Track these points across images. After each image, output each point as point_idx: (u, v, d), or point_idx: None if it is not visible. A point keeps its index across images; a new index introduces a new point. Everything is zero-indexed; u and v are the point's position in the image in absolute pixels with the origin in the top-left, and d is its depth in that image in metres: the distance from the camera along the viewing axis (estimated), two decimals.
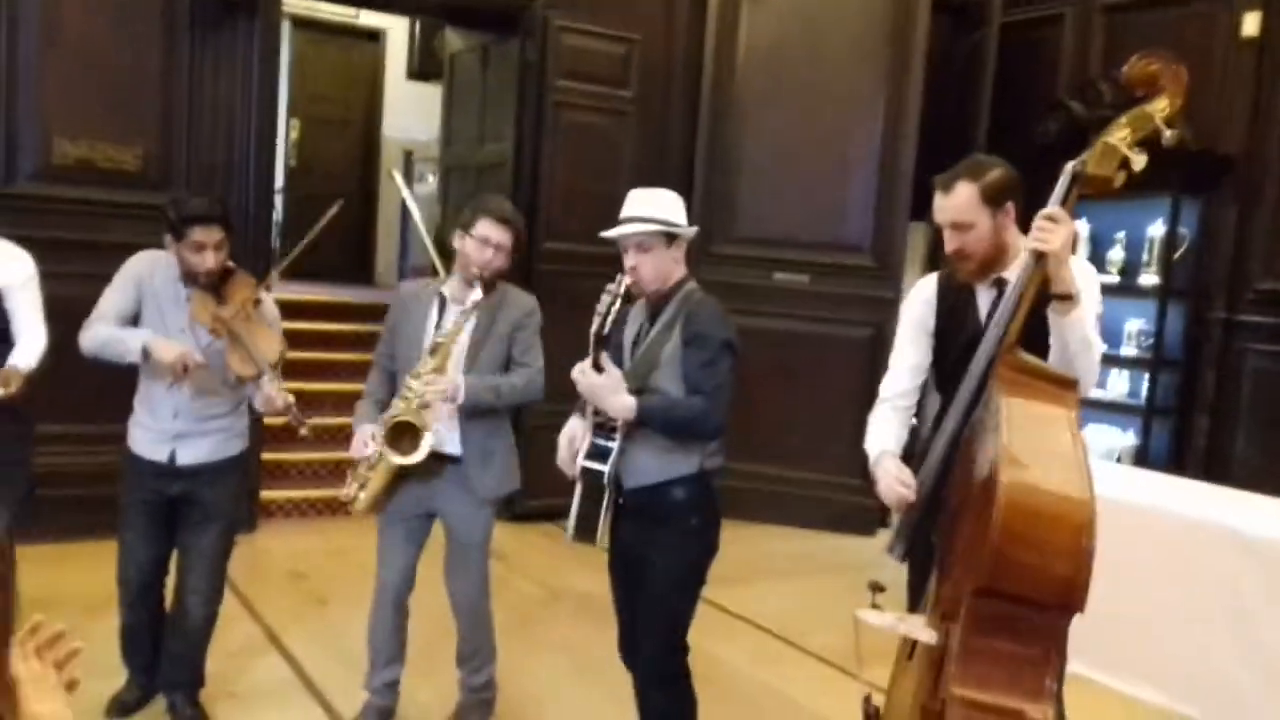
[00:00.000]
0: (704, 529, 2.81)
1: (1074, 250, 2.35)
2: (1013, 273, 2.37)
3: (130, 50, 5.05)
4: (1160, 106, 2.21)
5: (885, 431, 2.64)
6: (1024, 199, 2.49)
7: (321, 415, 6.13)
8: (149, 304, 3.14)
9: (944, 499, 2.38)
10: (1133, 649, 4.08)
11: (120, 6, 5.02)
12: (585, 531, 2.78)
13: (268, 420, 5.60)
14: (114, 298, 3.13)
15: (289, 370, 5.94)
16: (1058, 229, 2.18)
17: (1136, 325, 6.07)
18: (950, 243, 2.49)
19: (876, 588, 2.45)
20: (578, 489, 2.79)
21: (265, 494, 5.68)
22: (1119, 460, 5.96)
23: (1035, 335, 2.30)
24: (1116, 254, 6.19)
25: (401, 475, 3.12)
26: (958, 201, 2.45)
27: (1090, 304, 2.36)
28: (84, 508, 4.59)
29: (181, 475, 3.20)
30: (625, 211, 2.81)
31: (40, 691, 1.30)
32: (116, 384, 3.35)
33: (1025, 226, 2.36)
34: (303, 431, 3.16)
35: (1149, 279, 6.00)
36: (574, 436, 2.82)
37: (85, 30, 4.95)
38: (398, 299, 3.35)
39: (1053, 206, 2.23)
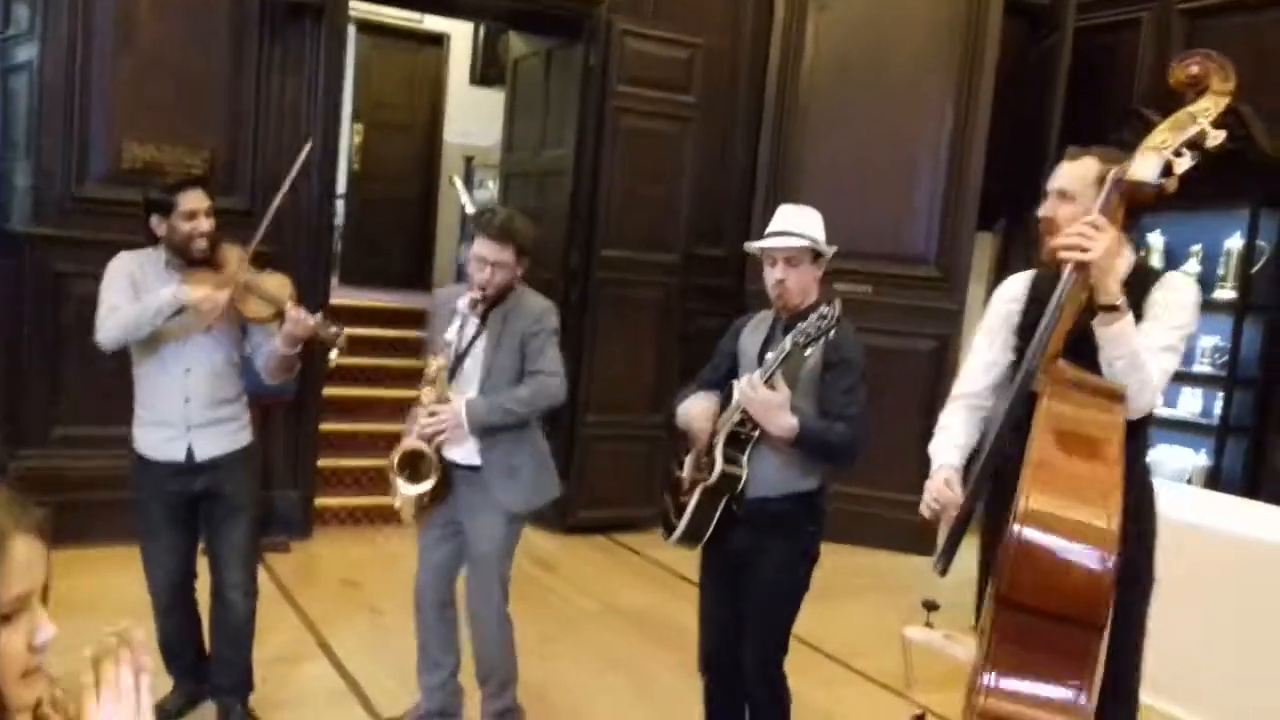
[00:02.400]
0: (814, 538, 2.91)
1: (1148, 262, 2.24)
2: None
3: (199, 55, 5.11)
4: (1203, 107, 2.13)
5: (949, 439, 2.58)
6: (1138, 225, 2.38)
7: (378, 421, 6.17)
8: (143, 298, 3.11)
9: (1001, 517, 2.30)
10: (1203, 676, 3.93)
11: (190, 12, 5.08)
12: (693, 536, 2.86)
13: (324, 426, 5.66)
14: (116, 296, 3.10)
15: (345, 375, 6.01)
16: (1098, 236, 2.11)
17: (1211, 341, 5.88)
18: (1046, 209, 2.41)
19: (930, 606, 2.42)
20: (696, 492, 2.82)
21: (320, 501, 5.69)
22: (1190, 482, 5.78)
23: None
24: (1192, 267, 6.01)
25: (434, 495, 3.14)
26: (1075, 170, 2.38)
27: (1167, 322, 2.27)
28: (112, 511, 4.64)
29: (202, 471, 3.16)
30: (774, 225, 2.88)
31: (106, 697, 1.26)
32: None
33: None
34: (339, 341, 3.14)
35: (1225, 293, 5.82)
36: (715, 429, 2.83)
37: (156, 35, 5.01)
38: (432, 306, 3.39)
39: (1096, 215, 2.16)
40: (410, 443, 3.07)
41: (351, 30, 8.10)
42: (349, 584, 4.94)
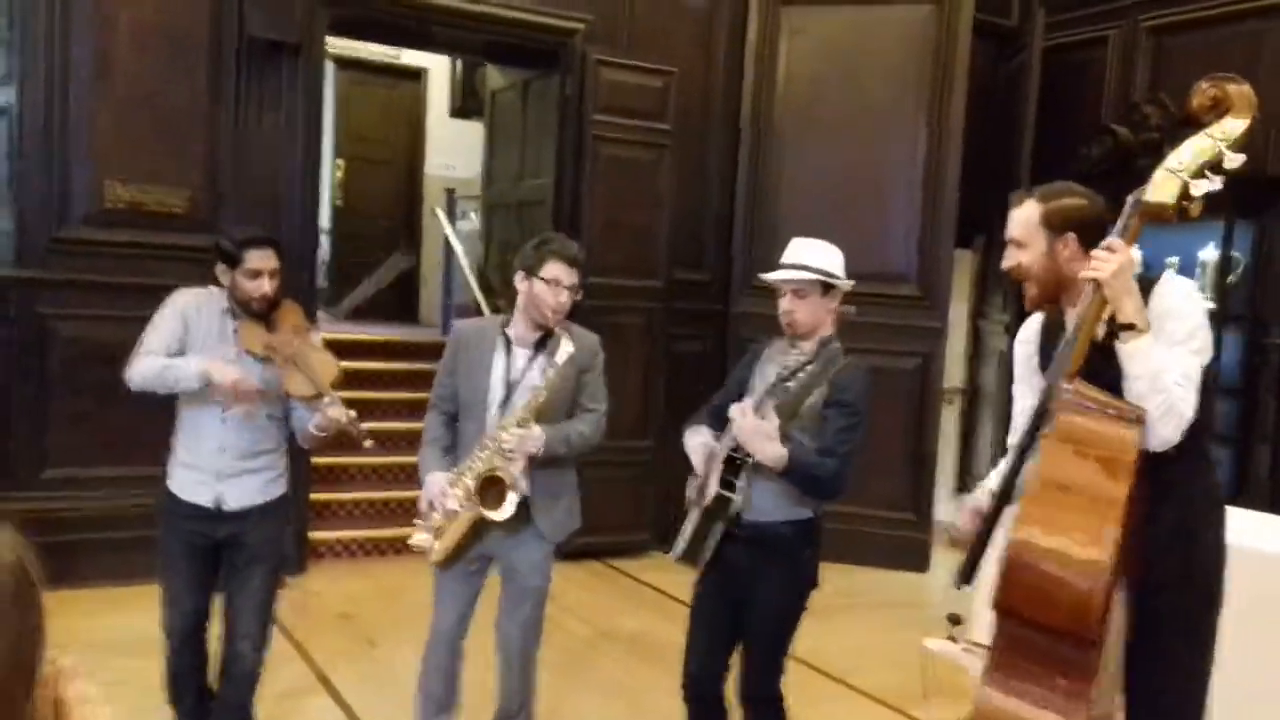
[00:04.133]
0: (812, 560, 2.94)
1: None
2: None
3: (178, 93, 5.14)
4: (1223, 130, 2.18)
5: (997, 469, 2.59)
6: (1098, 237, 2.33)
7: (368, 455, 6.14)
8: (194, 338, 3.11)
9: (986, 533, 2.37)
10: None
11: (169, 51, 5.10)
12: (692, 555, 2.89)
13: (315, 459, 5.67)
14: (161, 333, 3.10)
15: None
16: (1112, 257, 2.16)
17: None
18: (1007, 258, 2.45)
19: (955, 620, 2.45)
20: (694, 513, 2.88)
21: (314, 534, 5.68)
22: None
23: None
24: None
25: (479, 527, 3.06)
26: (1019, 217, 2.40)
27: (1178, 339, 2.22)
28: (102, 552, 4.64)
29: (227, 519, 3.16)
30: (786, 257, 2.92)
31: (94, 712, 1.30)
32: (152, 425, 3.33)
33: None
34: (367, 444, 3.12)
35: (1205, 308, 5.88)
36: (713, 453, 2.88)
37: (135, 75, 5.04)
38: (457, 339, 3.25)
39: (1112, 237, 2.20)
40: (493, 467, 2.99)
41: (330, 67, 8.15)
42: (345, 617, 4.93)
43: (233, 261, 3.06)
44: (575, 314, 6.08)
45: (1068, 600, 2.00)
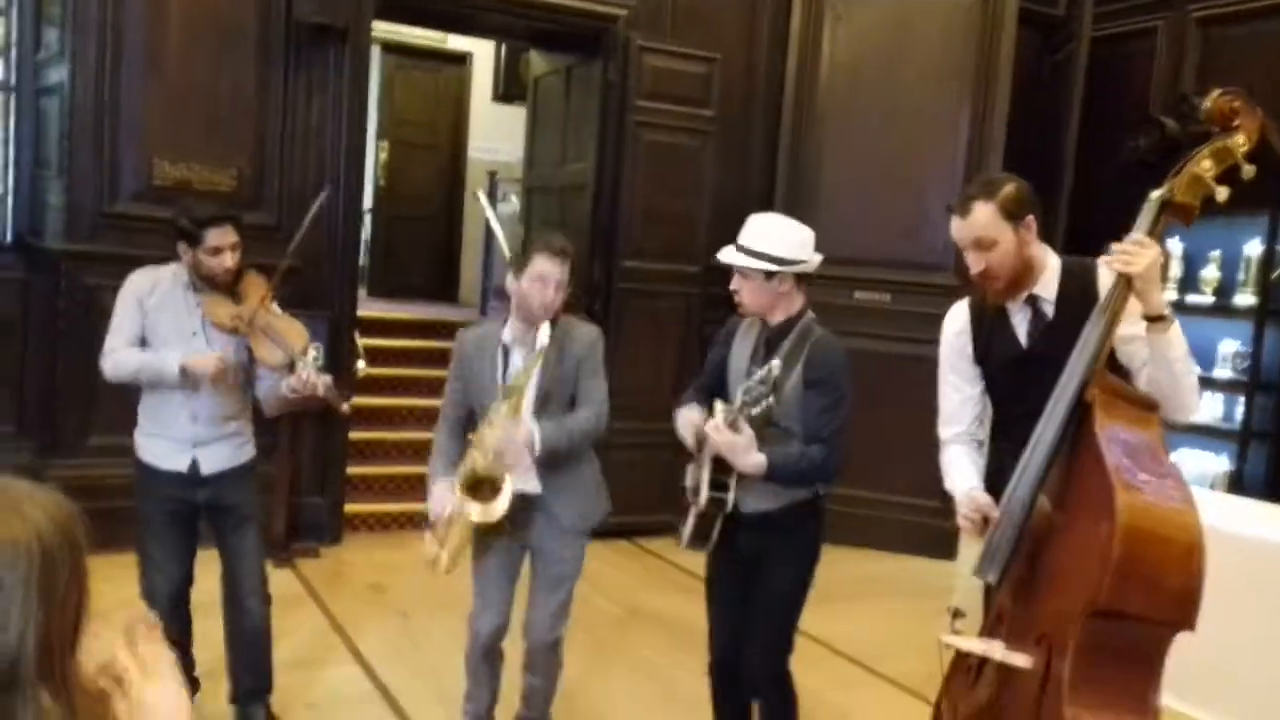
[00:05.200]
0: (816, 536, 2.94)
1: (1166, 272, 2.32)
2: (1045, 288, 2.46)
3: (227, 76, 5.24)
4: (1239, 142, 2.25)
5: (959, 469, 2.61)
6: (1043, 211, 2.48)
7: (405, 430, 6.28)
8: (153, 317, 3.17)
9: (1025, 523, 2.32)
10: (1227, 681, 3.94)
11: (219, 35, 5.21)
12: (700, 539, 2.89)
13: (352, 434, 5.77)
14: (123, 321, 3.16)
15: (373, 386, 6.11)
16: (1143, 252, 2.19)
17: (1232, 347, 5.88)
18: (975, 265, 2.45)
19: (957, 614, 2.42)
20: (695, 506, 2.87)
21: (349, 507, 5.78)
22: (1212, 486, 5.78)
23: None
24: (1211, 273, 6.02)
25: (484, 529, 3.08)
26: (977, 220, 2.42)
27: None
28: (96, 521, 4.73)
29: (205, 484, 3.22)
30: (740, 237, 2.86)
31: (152, 677, 1.31)
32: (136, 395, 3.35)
33: (1046, 239, 2.38)
34: (344, 408, 3.22)
35: (1245, 299, 5.82)
36: (695, 423, 2.85)
37: (185, 57, 5.14)
38: (461, 349, 3.24)
39: (1138, 234, 2.24)
40: (479, 468, 3.01)
41: (376, 50, 8.25)
42: (377, 588, 5.02)
43: (193, 240, 3.12)
44: (610, 297, 6.18)
45: (1178, 581, 1.98)
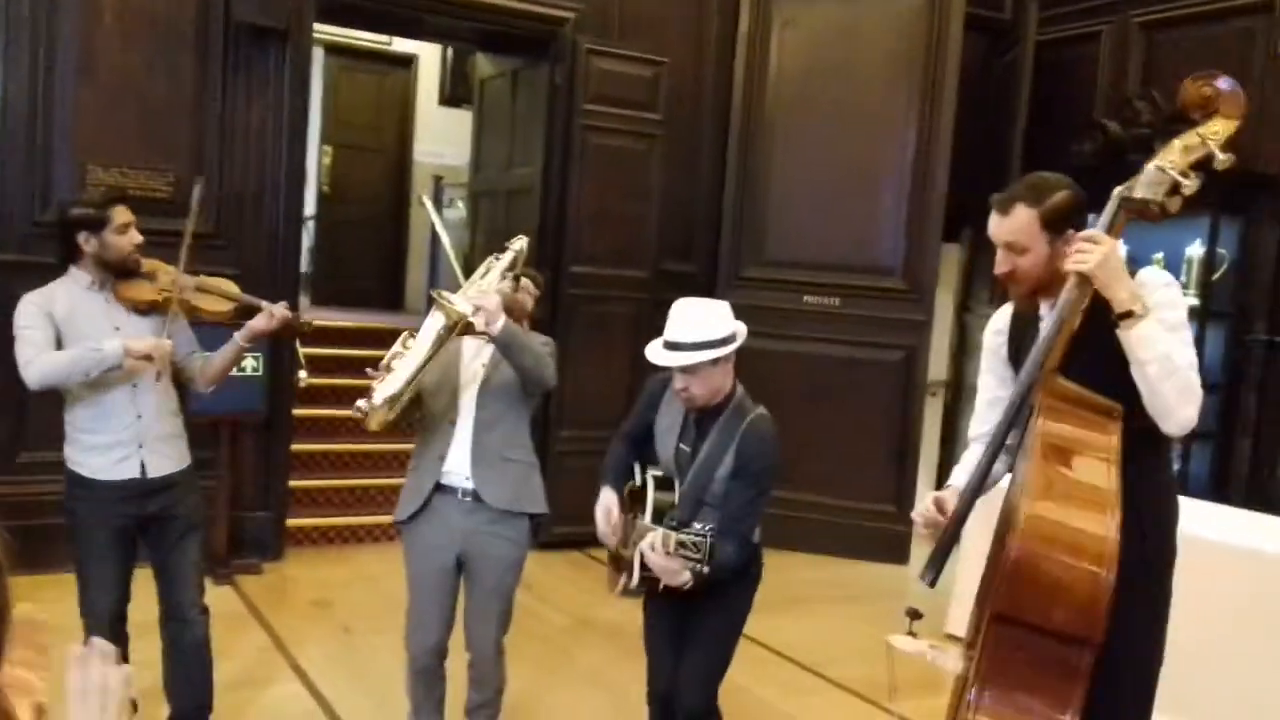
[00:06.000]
0: (751, 583, 2.91)
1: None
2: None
3: (163, 79, 5.11)
4: (1214, 130, 2.14)
5: (962, 467, 2.56)
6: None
7: (350, 442, 6.15)
8: (65, 327, 3.04)
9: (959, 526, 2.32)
10: (1170, 678, 3.96)
11: (154, 35, 5.07)
12: (636, 594, 2.88)
13: (294, 447, 5.65)
14: (33, 333, 3.01)
15: (316, 395, 5.98)
16: (1096, 249, 2.12)
17: None
18: (1002, 264, 2.35)
19: (914, 614, 2.40)
20: (636, 566, 2.77)
21: (291, 522, 5.65)
22: None
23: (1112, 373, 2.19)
24: None
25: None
26: (1015, 224, 2.29)
27: (1172, 326, 2.20)
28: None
29: (155, 492, 3.12)
30: (670, 332, 2.78)
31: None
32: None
33: None
34: (306, 328, 3.24)
35: (1187, 300, 5.88)
36: (610, 509, 2.88)
37: (119, 59, 5.00)
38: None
39: (1094, 230, 2.18)
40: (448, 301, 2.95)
41: (320, 53, 8.11)
42: (320, 604, 4.91)
43: (98, 224, 3.04)
44: (557, 301, 6.11)
45: (1079, 597, 1.91)
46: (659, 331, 2.85)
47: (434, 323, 2.96)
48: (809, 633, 4.84)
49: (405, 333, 3.06)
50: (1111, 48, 6.52)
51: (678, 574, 2.59)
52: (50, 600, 3.55)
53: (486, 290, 3.00)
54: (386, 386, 2.95)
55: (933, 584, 2.35)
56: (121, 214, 3.06)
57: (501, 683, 3.27)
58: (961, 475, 2.51)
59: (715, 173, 6.57)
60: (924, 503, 2.44)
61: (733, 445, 2.77)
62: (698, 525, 2.55)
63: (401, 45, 9.10)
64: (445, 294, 2.98)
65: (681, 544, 2.47)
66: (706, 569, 2.48)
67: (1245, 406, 5.78)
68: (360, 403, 2.97)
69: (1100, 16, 6.61)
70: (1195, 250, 5.86)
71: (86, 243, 3.06)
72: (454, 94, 9.30)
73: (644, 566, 2.72)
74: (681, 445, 2.87)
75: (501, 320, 2.91)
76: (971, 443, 2.61)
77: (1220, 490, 5.66)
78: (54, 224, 3.20)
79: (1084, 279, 2.13)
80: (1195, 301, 5.82)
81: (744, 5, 6.46)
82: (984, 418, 2.57)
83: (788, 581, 5.45)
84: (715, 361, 2.74)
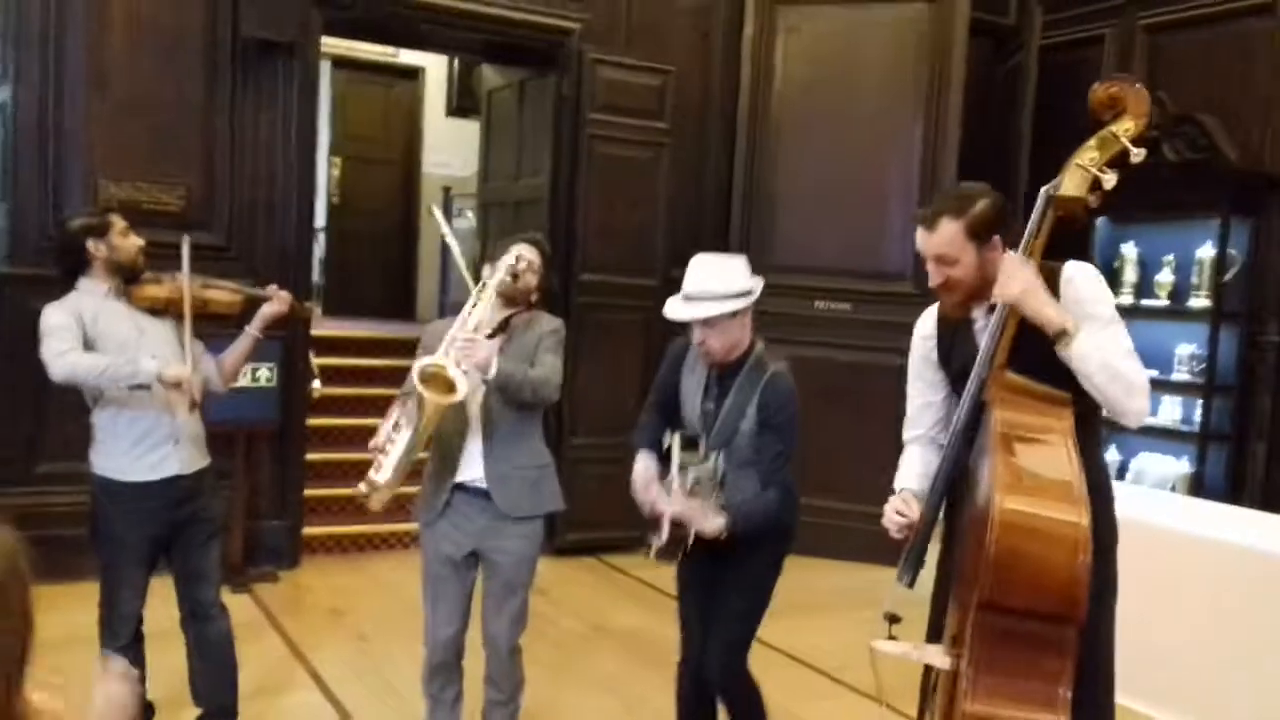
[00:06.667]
0: (784, 540, 2.96)
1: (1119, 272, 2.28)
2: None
3: (173, 93, 5.15)
4: (1125, 127, 2.24)
5: (908, 469, 2.62)
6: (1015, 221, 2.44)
7: (363, 451, 6.13)
8: (93, 330, 3.08)
9: (955, 527, 2.38)
10: (1187, 681, 3.96)
11: (164, 50, 5.11)
12: (669, 554, 2.89)
13: (310, 456, 5.67)
14: (68, 333, 3.03)
15: (330, 405, 6.01)
16: (1015, 275, 2.21)
17: (1188, 349, 5.94)
18: (935, 276, 2.42)
19: (892, 619, 2.47)
20: (665, 522, 2.80)
21: (307, 530, 5.68)
22: (1173, 489, 5.83)
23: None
24: (1165, 277, 6.09)
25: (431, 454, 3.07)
26: (942, 238, 2.37)
27: (1106, 319, 2.29)
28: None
29: (189, 497, 3.17)
30: (688, 286, 2.81)
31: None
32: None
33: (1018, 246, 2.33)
34: (309, 305, 3.36)
35: (1199, 302, 5.89)
36: (646, 472, 2.92)
37: (129, 74, 5.05)
38: (426, 341, 3.22)
39: (1022, 244, 2.28)
40: (437, 367, 2.93)
41: (327, 66, 8.17)
42: (336, 612, 4.92)
43: (103, 230, 3.14)
44: (568, 310, 6.13)
45: (1062, 576, 1.97)
46: (667, 338, 2.88)
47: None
48: (823, 637, 4.84)
49: (397, 403, 3.09)
50: (1115, 51, 6.54)
51: (705, 516, 2.66)
52: (68, 610, 3.60)
53: (479, 326, 2.97)
54: (385, 473, 3.02)
55: (911, 584, 2.41)
56: (119, 220, 3.19)
57: (519, 682, 3.29)
58: (909, 478, 2.57)
59: (722, 180, 6.59)
60: (890, 507, 2.49)
61: (754, 399, 2.81)
62: (709, 463, 2.64)
63: (408, 57, 9.17)
64: (431, 363, 2.92)
65: (698, 481, 2.58)
66: (722, 498, 2.56)
67: (1260, 409, 5.78)
68: (362, 485, 3.03)
69: (1104, 20, 6.63)
70: (1206, 252, 5.87)
71: (96, 249, 3.13)
72: (461, 105, 9.36)
73: (674, 523, 2.75)
74: (706, 404, 2.90)
75: (494, 370, 2.90)
76: (908, 445, 2.68)
77: (1235, 493, 5.66)
78: (59, 241, 3.26)
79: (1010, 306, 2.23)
80: (1207, 303, 5.82)
81: (749, 13, 6.48)
82: (917, 421, 2.65)
83: (801, 586, 5.41)
84: (734, 314, 2.79)
